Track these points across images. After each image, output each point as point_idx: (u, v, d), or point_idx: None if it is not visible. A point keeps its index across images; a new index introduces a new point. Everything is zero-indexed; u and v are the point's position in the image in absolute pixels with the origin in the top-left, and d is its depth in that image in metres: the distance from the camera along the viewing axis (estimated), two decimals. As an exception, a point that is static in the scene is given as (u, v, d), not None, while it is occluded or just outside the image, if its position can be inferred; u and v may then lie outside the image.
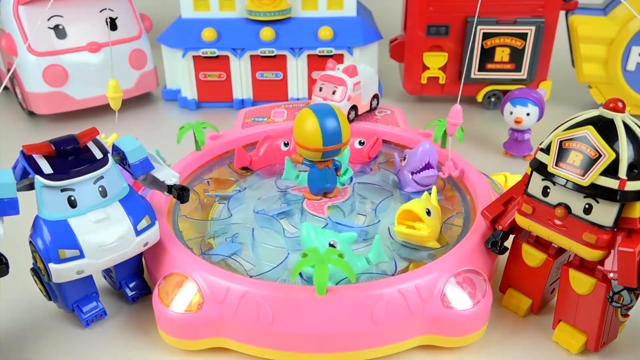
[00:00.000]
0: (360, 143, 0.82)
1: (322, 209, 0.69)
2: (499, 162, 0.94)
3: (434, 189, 0.67)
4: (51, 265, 0.51)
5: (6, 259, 0.50)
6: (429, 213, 0.62)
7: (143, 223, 0.55)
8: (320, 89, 0.84)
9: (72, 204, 0.52)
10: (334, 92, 0.82)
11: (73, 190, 0.52)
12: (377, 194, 0.74)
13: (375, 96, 0.90)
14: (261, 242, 0.64)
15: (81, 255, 0.52)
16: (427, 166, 0.72)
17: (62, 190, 0.52)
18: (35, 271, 0.57)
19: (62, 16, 1.03)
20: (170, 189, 0.60)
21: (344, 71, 0.83)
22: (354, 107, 0.85)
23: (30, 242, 0.53)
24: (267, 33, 1.08)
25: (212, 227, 0.67)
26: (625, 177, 0.46)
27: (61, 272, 0.51)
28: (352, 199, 0.71)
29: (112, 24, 1.09)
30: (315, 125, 0.64)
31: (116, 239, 0.53)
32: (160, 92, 1.21)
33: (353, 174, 0.75)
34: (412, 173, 0.73)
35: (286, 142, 0.81)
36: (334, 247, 0.57)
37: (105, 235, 0.53)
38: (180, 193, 0.60)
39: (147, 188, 0.65)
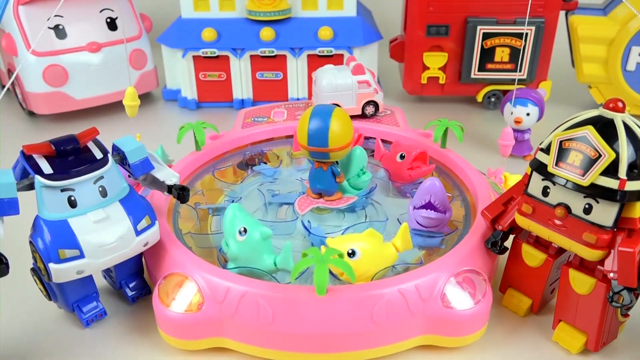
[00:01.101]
0: (402, 157, 0.73)
1: (305, 207, 0.69)
2: (499, 162, 0.93)
3: (403, 226, 0.57)
4: (51, 265, 0.51)
5: (6, 259, 0.50)
6: (352, 254, 0.55)
7: (143, 223, 0.55)
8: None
9: (72, 204, 0.52)
10: None
11: (73, 190, 0.52)
12: (376, 213, 0.70)
13: (372, 102, 0.87)
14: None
15: (81, 255, 0.52)
16: (428, 205, 0.64)
17: (62, 190, 0.52)
18: (35, 271, 0.57)
19: (62, 16, 1.03)
20: (170, 189, 0.60)
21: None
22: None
23: (30, 242, 0.53)
24: (267, 33, 1.08)
25: (215, 241, 0.65)
26: (625, 177, 0.46)
27: (61, 272, 0.51)
28: (347, 210, 0.69)
29: (112, 24, 1.09)
30: (304, 123, 0.65)
31: (116, 239, 0.53)
32: (160, 92, 1.21)
33: (375, 184, 0.71)
34: (414, 207, 0.65)
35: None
36: (243, 233, 0.56)
37: (105, 235, 0.53)
38: (181, 193, 0.60)
39: (147, 188, 0.65)
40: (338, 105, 0.71)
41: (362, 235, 0.57)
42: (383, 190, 0.74)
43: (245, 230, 0.56)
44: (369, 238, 0.57)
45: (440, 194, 0.64)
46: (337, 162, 0.68)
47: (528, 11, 0.92)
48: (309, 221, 0.66)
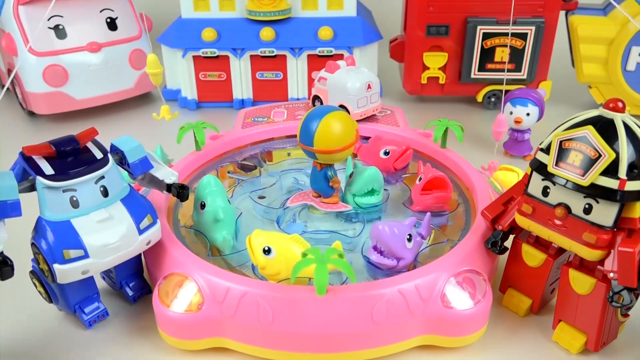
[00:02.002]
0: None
1: (296, 201, 0.70)
2: (499, 163, 0.93)
3: (336, 244, 0.58)
4: (56, 266, 0.51)
5: (11, 261, 0.50)
6: (267, 252, 0.55)
7: (145, 222, 0.55)
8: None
9: (74, 204, 0.52)
10: None
11: (75, 190, 0.52)
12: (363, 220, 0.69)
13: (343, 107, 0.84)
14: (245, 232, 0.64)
15: (86, 255, 0.52)
16: (375, 248, 0.59)
17: (64, 191, 0.52)
18: (34, 274, 0.57)
19: (62, 16, 1.03)
20: (169, 187, 0.60)
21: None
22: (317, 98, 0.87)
23: (32, 243, 0.53)
24: (267, 33, 1.08)
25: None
26: (625, 177, 0.46)
27: (66, 272, 0.51)
28: (341, 216, 0.69)
29: (112, 24, 1.09)
30: (303, 118, 0.66)
31: (119, 238, 0.53)
32: (160, 92, 1.21)
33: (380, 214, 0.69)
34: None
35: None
36: (201, 208, 0.63)
37: (108, 234, 0.53)
38: (180, 191, 0.60)
39: (146, 188, 0.65)
40: (345, 109, 0.70)
41: (287, 237, 0.57)
42: (391, 213, 0.71)
43: (203, 206, 0.63)
44: (290, 240, 0.57)
45: (390, 242, 0.57)
46: (332, 165, 0.68)
47: (512, 12, 0.92)
48: (294, 215, 0.69)
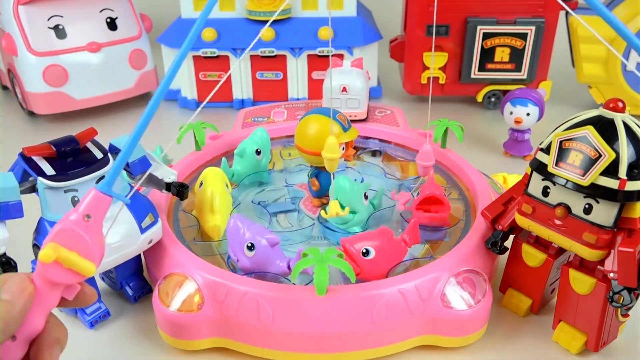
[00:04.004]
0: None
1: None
2: (499, 162, 0.94)
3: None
4: None
5: (15, 262, 0.50)
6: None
7: (147, 221, 0.56)
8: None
9: (76, 204, 0.52)
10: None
11: (76, 190, 0.52)
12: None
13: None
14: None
15: None
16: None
17: (65, 191, 0.52)
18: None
19: (62, 16, 1.03)
20: (169, 186, 0.60)
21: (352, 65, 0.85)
22: None
23: (34, 244, 0.53)
24: (267, 33, 1.08)
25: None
26: (625, 177, 0.46)
27: None
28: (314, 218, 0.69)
29: (112, 24, 1.09)
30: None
31: (122, 237, 0.53)
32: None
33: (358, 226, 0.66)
34: None
35: None
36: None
37: (111, 234, 0.52)
38: (180, 190, 0.60)
39: (146, 187, 0.64)
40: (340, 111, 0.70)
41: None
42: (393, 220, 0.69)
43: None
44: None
45: (230, 236, 0.58)
46: (316, 168, 0.69)
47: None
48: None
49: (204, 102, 0.49)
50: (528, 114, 0.89)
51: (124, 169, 0.58)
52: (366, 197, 0.66)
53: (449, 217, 0.65)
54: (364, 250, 0.56)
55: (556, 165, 0.50)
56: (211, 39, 1.09)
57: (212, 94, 0.49)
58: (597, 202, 0.48)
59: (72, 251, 0.34)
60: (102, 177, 0.54)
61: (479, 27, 1.03)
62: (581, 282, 0.52)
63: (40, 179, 0.51)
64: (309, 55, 1.10)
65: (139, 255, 0.60)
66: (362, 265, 0.56)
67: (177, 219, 0.67)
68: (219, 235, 0.63)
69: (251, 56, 1.10)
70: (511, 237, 0.59)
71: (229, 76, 1.12)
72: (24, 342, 0.35)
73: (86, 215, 0.35)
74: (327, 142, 0.58)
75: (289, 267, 0.56)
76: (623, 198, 0.47)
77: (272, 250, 0.56)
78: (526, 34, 1.03)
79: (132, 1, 1.12)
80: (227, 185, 0.67)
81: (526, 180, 0.54)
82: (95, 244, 0.35)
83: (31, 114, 1.10)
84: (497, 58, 1.06)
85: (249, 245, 0.56)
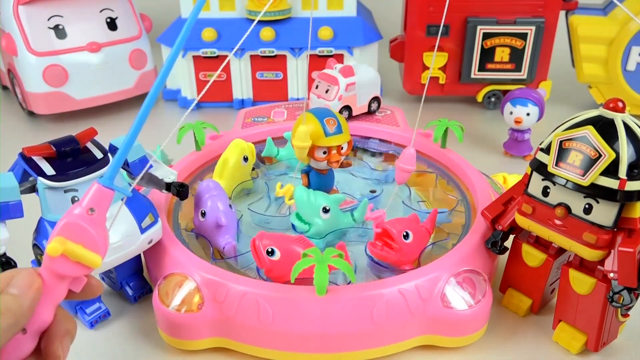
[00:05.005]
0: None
1: None
2: (499, 162, 0.94)
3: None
4: None
5: (15, 262, 0.50)
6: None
7: (147, 221, 0.56)
8: (317, 87, 0.85)
9: (76, 204, 0.52)
10: (327, 91, 0.84)
11: (77, 190, 0.52)
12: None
13: (376, 98, 0.89)
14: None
15: None
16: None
17: (65, 191, 0.52)
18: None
19: (62, 16, 1.03)
20: (168, 186, 0.60)
21: (341, 71, 0.84)
22: (347, 107, 0.85)
23: (34, 244, 0.53)
24: (267, 33, 1.08)
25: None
26: (625, 177, 0.46)
27: None
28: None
29: (112, 24, 1.09)
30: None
31: (122, 237, 0.53)
32: (160, 92, 1.21)
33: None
34: None
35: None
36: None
37: (111, 234, 0.52)
38: (180, 190, 0.60)
39: (145, 187, 0.64)
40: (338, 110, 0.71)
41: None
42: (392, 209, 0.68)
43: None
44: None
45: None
46: (308, 165, 0.69)
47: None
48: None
49: (198, 97, 0.49)
50: (528, 114, 0.89)
51: (124, 169, 0.58)
52: (326, 211, 0.63)
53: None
54: (405, 234, 0.58)
55: (556, 165, 0.50)
56: (211, 39, 1.09)
57: (205, 89, 0.48)
58: (597, 202, 0.48)
59: (78, 244, 0.35)
60: (102, 177, 0.53)
61: (479, 27, 1.03)
62: (581, 282, 0.52)
63: (40, 179, 0.51)
64: (309, 55, 1.10)
65: (139, 255, 0.60)
66: (402, 247, 0.57)
67: (177, 221, 0.67)
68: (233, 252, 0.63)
69: (251, 56, 1.10)
70: (511, 237, 0.59)
71: (229, 76, 1.12)
72: (34, 335, 0.36)
73: (90, 209, 0.36)
74: (298, 130, 0.62)
75: (225, 248, 0.62)
76: (623, 198, 0.47)
77: (217, 229, 0.62)
78: (526, 34, 1.03)
79: (132, 1, 1.12)
80: (245, 159, 0.73)
81: (526, 180, 0.54)
82: (100, 236, 0.36)
83: (31, 114, 1.10)
84: (497, 58, 1.06)
85: (202, 212, 0.63)
